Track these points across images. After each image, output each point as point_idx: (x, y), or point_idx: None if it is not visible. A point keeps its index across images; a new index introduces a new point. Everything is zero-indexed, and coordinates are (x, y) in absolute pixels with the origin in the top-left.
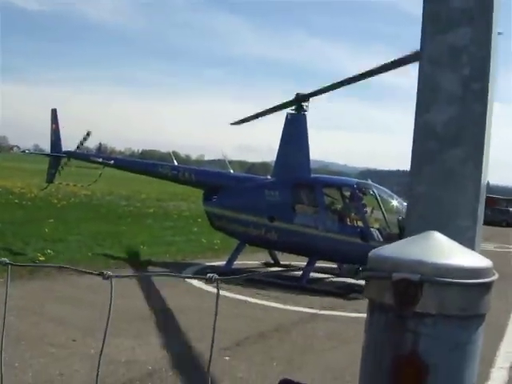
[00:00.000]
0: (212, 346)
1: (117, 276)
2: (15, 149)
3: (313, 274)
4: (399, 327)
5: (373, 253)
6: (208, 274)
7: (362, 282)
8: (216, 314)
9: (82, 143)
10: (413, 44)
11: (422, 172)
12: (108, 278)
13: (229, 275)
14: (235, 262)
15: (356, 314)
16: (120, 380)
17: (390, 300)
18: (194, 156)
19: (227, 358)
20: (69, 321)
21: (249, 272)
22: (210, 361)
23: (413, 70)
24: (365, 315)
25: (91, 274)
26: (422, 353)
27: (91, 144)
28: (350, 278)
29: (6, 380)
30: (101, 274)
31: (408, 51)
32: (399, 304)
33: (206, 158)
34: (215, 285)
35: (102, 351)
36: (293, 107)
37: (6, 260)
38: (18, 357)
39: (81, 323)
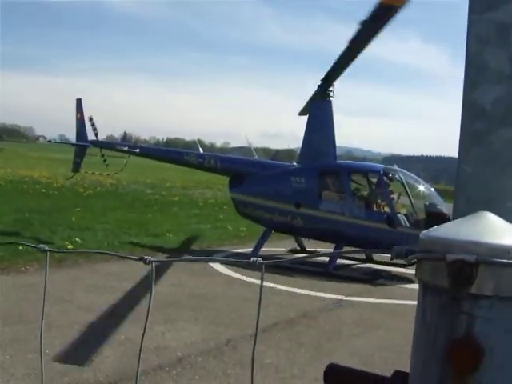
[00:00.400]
0: (256, 331)
1: (157, 261)
2: (41, 139)
3: (340, 260)
4: (454, 309)
5: (424, 234)
6: (252, 258)
7: (389, 268)
8: (260, 299)
9: (95, 129)
10: (445, 31)
11: (470, 153)
12: (149, 262)
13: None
14: (261, 249)
15: (383, 300)
16: (150, 366)
17: (443, 282)
18: (218, 143)
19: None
20: (97, 308)
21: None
22: (254, 347)
23: (440, 55)
24: (392, 301)
25: (132, 259)
26: (477, 335)
27: (116, 133)
28: (400, 259)
29: (37, 367)
30: (141, 259)
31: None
32: (454, 286)
33: (231, 145)
34: (243, 271)
35: (143, 337)
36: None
37: (45, 247)
38: (49, 344)
39: (109, 310)
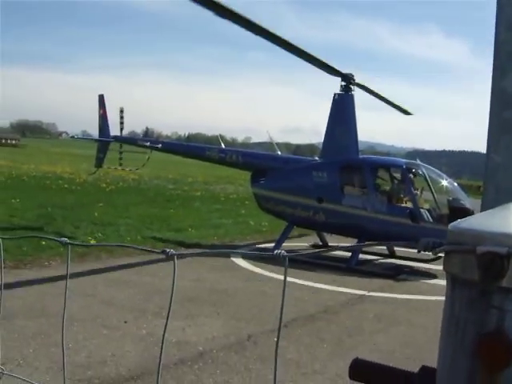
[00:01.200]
0: (280, 324)
1: (179, 253)
2: (64, 135)
3: (362, 256)
4: (483, 303)
5: (453, 226)
6: (275, 251)
7: (411, 264)
8: (284, 292)
9: (121, 123)
10: (472, 26)
11: (499, 142)
12: (171, 256)
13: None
14: (283, 244)
15: (405, 295)
16: (172, 360)
17: (473, 275)
18: (240, 139)
19: (276, 339)
20: (119, 302)
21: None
22: (277, 340)
23: (462, 50)
24: (414, 297)
25: (154, 252)
26: (508, 330)
27: (138, 129)
28: (427, 252)
29: (60, 361)
30: (163, 253)
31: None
32: (484, 279)
33: (253, 140)
34: (264, 266)
35: (165, 331)
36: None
37: (66, 240)
38: (72, 338)
39: (131, 305)
